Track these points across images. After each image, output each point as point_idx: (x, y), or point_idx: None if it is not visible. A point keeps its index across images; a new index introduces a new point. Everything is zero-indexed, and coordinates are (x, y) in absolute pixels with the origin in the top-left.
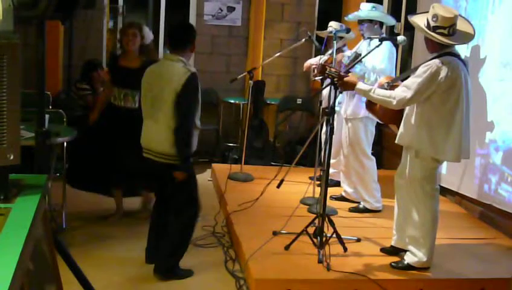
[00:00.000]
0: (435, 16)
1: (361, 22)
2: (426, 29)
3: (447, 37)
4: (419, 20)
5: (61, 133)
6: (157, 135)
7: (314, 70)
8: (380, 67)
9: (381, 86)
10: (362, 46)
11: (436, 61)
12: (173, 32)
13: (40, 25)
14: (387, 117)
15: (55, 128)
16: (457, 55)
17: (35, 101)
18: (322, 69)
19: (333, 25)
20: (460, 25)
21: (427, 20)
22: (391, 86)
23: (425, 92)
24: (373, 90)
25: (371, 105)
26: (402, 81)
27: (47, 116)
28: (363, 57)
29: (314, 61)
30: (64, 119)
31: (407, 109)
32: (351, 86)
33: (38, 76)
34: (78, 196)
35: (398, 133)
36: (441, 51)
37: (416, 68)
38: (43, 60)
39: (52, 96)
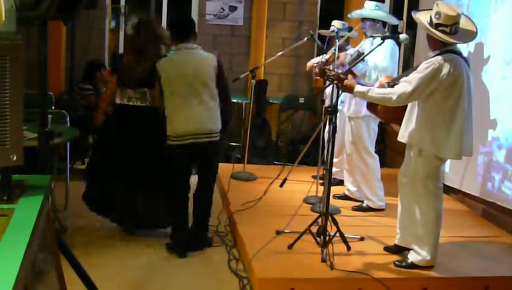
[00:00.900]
0: (438, 13)
1: (364, 20)
2: (429, 26)
3: (449, 35)
4: (422, 17)
5: (64, 133)
6: (204, 115)
7: (316, 69)
8: (382, 66)
9: (382, 86)
10: (365, 45)
11: (438, 58)
12: (184, 25)
13: (42, 25)
14: (389, 117)
15: (58, 128)
16: (458, 53)
17: (37, 102)
18: (322, 72)
19: (336, 24)
20: (463, 24)
21: (430, 17)
22: (391, 86)
23: (427, 88)
24: (371, 90)
25: (371, 106)
26: None
27: (50, 116)
28: (365, 56)
29: (316, 60)
30: (67, 120)
31: (408, 106)
32: (349, 90)
33: (40, 76)
34: (81, 196)
35: (400, 131)
36: (443, 48)
37: (417, 67)
38: (45, 61)
39: (55, 96)
